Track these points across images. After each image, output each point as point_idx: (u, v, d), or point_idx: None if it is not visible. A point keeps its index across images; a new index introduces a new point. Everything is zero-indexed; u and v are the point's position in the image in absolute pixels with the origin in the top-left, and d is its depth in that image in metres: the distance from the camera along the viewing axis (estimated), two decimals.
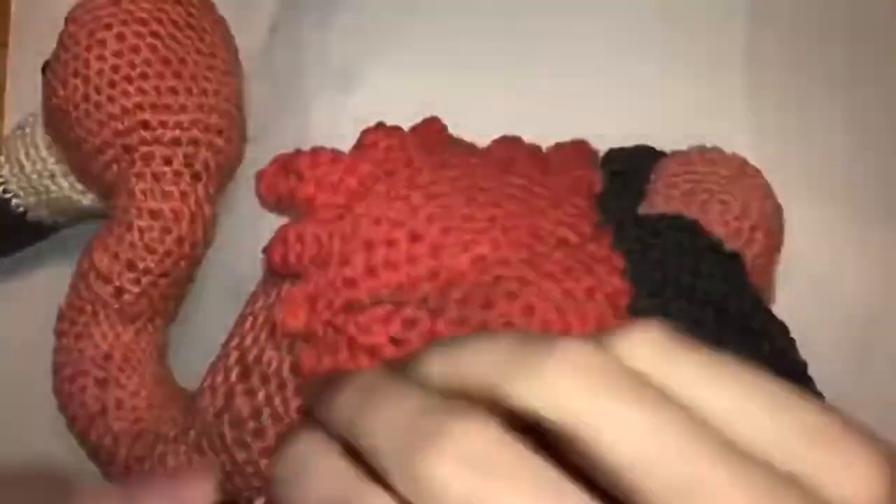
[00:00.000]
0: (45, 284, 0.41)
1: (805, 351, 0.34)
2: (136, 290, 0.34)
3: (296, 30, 0.42)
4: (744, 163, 0.34)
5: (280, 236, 0.31)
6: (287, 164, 0.31)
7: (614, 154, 0.34)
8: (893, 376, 0.30)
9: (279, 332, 0.29)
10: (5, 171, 0.38)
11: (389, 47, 0.42)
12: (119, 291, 0.34)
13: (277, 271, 0.31)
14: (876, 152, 0.39)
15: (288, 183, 0.31)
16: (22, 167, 0.38)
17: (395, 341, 0.27)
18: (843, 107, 0.39)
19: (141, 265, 0.34)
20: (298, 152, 0.32)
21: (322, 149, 0.31)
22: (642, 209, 0.32)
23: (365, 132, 0.33)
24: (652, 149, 0.34)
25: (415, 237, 0.29)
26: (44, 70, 0.37)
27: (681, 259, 0.29)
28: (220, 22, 0.38)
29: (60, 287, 0.40)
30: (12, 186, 0.38)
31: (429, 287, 0.28)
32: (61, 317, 0.35)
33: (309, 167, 0.31)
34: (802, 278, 0.36)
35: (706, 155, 0.34)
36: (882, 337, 0.36)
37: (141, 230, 0.34)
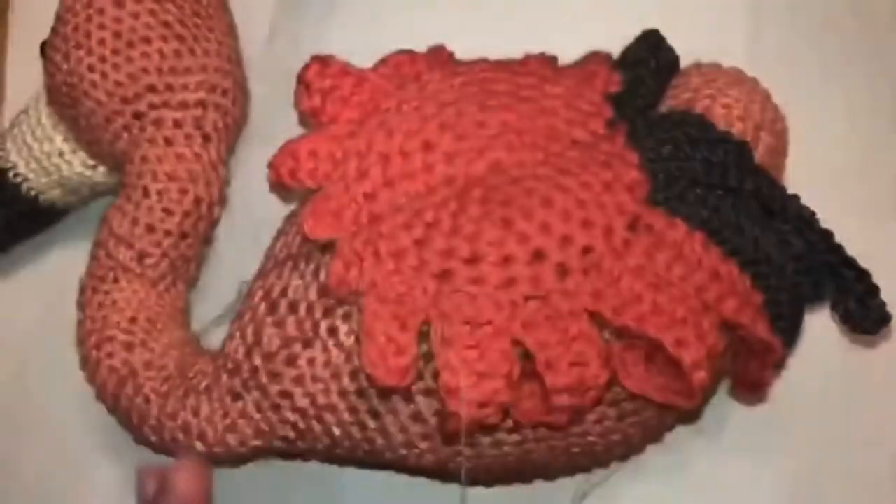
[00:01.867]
0: (57, 268, 0.41)
1: (805, 350, 0.35)
2: (157, 252, 0.35)
3: (296, 30, 0.43)
4: (740, 71, 0.34)
5: (289, 150, 0.31)
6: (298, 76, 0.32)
7: (627, 53, 0.34)
8: (893, 376, 0.30)
9: (306, 242, 0.30)
10: (13, 156, 0.38)
11: (389, 47, 0.41)
12: (141, 255, 0.34)
13: (285, 185, 0.31)
14: (875, 151, 0.39)
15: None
16: (30, 149, 0.38)
17: (418, 243, 0.28)
18: (843, 106, 0.39)
19: (160, 227, 0.34)
20: (309, 62, 0.32)
21: (331, 58, 0.32)
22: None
23: None
24: (662, 47, 0.34)
25: (429, 146, 0.30)
26: (42, 51, 0.37)
27: (693, 149, 0.30)
28: None
29: (72, 270, 0.40)
30: (22, 170, 0.38)
31: (447, 192, 0.28)
32: (83, 288, 0.35)
33: (317, 77, 0.31)
34: None
35: (703, 68, 0.35)
36: (881, 336, 0.36)
37: (159, 193, 0.34)
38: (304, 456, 0.34)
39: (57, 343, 0.38)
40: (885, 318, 0.31)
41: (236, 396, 0.31)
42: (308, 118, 0.32)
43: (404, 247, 0.28)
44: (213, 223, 0.36)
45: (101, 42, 0.34)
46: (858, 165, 0.39)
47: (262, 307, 0.31)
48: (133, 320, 0.34)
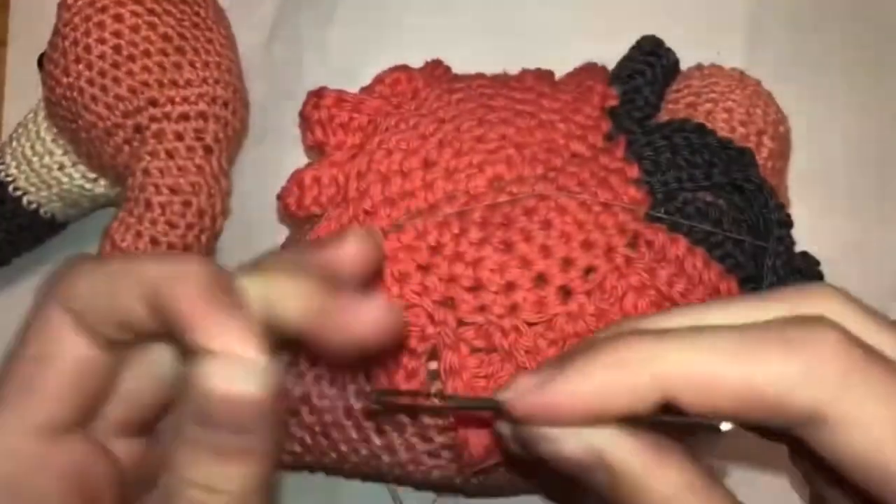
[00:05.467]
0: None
1: None
2: None
3: (296, 30, 0.43)
4: (742, 73, 0.34)
5: (295, 181, 0.31)
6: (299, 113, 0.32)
7: (623, 64, 0.34)
8: None
9: None
10: (13, 170, 0.38)
11: (389, 47, 0.42)
12: None
13: (293, 215, 0.31)
14: (875, 153, 0.39)
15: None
16: (30, 163, 0.38)
17: (422, 268, 0.28)
18: (843, 106, 0.39)
19: (164, 240, 0.34)
20: (307, 98, 0.32)
21: (325, 90, 0.32)
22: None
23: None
24: (659, 56, 0.34)
25: (428, 164, 0.30)
26: (40, 64, 0.37)
27: (693, 158, 0.30)
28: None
29: None
30: (22, 183, 0.38)
31: (449, 210, 0.29)
32: None
33: (314, 110, 0.31)
34: None
35: (704, 70, 0.35)
36: None
37: (161, 206, 0.34)
38: (311, 468, 0.34)
39: None
40: None
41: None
42: (315, 152, 0.32)
43: (408, 271, 0.28)
44: (216, 234, 0.36)
45: (102, 56, 0.34)
46: (858, 166, 0.39)
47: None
48: None
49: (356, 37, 0.43)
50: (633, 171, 0.30)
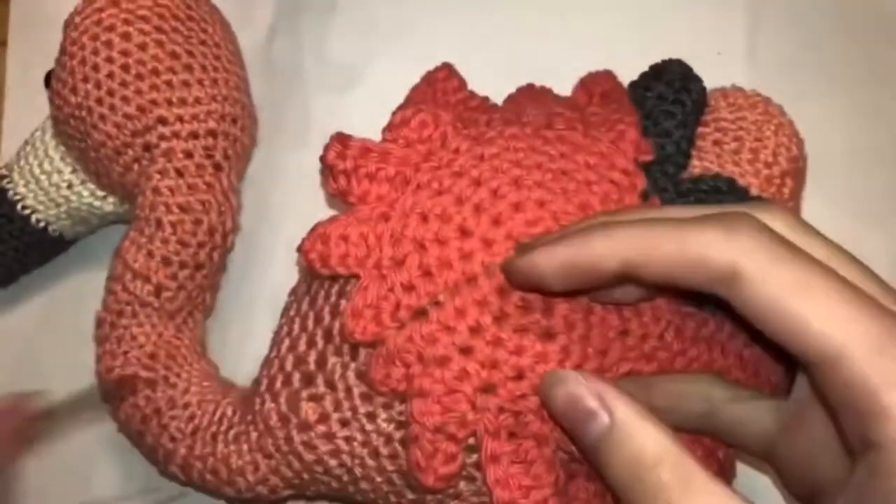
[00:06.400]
0: (66, 296, 0.41)
1: None
2: (174, 285, 0.34)
3: (295, 30, 0.43)
4: (766, 103, 0.34)
5: (319, 234, 0.30)
6: (320, 158, 0.31)
7: (653, 103, 0.33)
8: None
9: (342, 339, 0.29)
10: (21, 188, 0.38)
11: (389, 47, 0.42)
12: (158, 289, 0.34)
13: (315, 272, 0.30)
14: (877, 152, 0.39)
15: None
16: (38, 181, 0.37)
17: (462, 350, 0.27)
18: (843, 107, 0.39)
19: (176, 259, 0.34)
20: (329, 143, 0.31)
21: (349, 138, 0.31)
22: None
23: (395, 112, 0.32)
24: (689, 91, 0.33)
25: (465, 232, 0.28)
26: (47, 82, 0.37)
27: None
28: (216, 10, 0.38)
29: (81, 298, 0.40)
30: (30, 202, 0.38)
31: (487, 286, 0.28)
32: (100, 322, 0.35)
33: (338, 159, 0.30)
34: None
35: (729, 98, 0.34)
36: None
37: (173, 225, 0.34)
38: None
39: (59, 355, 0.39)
40: None
41: (269, 455, 0.31)
42: (337, 199, 0.31)
43: (448, 354, 0.27)
44: (228, 251, 0.36)
45: (110, 75, 0.34)
46: (859, 166, 0.39)
47: (298, 377, 0.30)
48: (153, 356, 0.34)
49: (356, 37, 0.42)
50: None
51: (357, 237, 0.29)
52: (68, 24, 0.36)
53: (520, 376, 0.27)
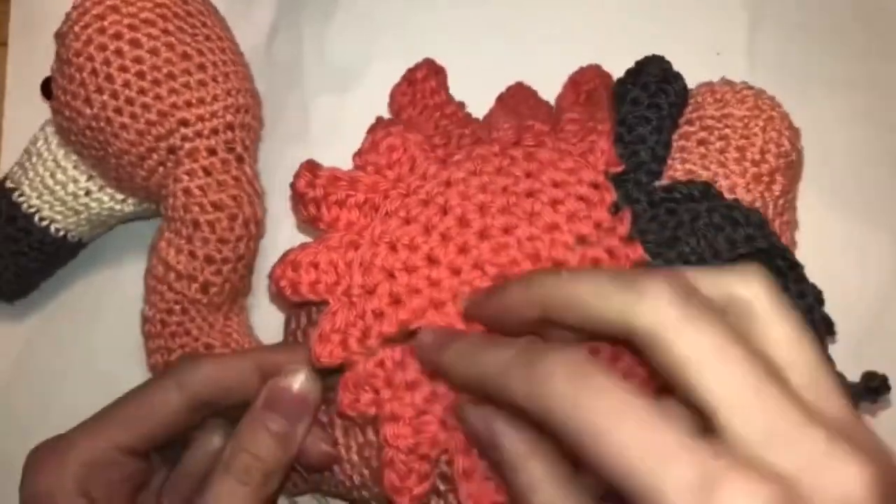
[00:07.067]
0: (78, 296, 0.42)
1: None
2: (219, 280, 0.36)
3: (296, 30, 0.43)
4: (757, 96, 0.33)
5: (289, 262, 0.31)
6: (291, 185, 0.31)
7: (628, 110, 0.32)
8: (892, 376, 0.30)
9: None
10: (35, 200, 0.37)
11: (389, 46, 0.42)
12: (205, 286, 0.35)
13: (286, 298, 0.31)
14: (876, 153, 0.39)
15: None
16: (53, 192, 0.37)
17: (431, 375, 0.29)
18: (843, 107, 0.39)
19: (219, 256, 0.35)
20: (299, 171, 0.31)
21: (318, 167, 0.31)
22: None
23: (367, 131, 0.33)
24: (667, 93, 0.32)
25: (433, 260, 0.30)
26: (45, 91, 0.36)
27: (698, 232, 0.30)
28: (209, 3, 0.38)
29: (92, 296, 0.40)
30: (47, 213, 0.38)
31: (453, 312, 0.29)
32: (149, 319, 0.36)
33: (308, 187, 0.31)
34: None
35: (717, 94, 0.33)
36: (881, 337, 0.37)
37: (210, 224, 0.35)
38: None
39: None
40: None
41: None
42: (307, 226, 0.32)
43: (417, 379, 0.29)
44: (262, 236, 0.37)
45: (126, 84, 0.34)
46: (859, 165, 0.40)
47: None
48: (209, 347, 0.36)
49: (356, 37, 0.43)
50: (637, 252, 0.30)
51: (327, 264, 0.31)
52: (65, 34, 0.35)
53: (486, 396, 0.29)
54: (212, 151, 0.35)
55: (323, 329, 0.30)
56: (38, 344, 0.42)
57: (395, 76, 0.38)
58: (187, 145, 0.35)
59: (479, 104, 0.38)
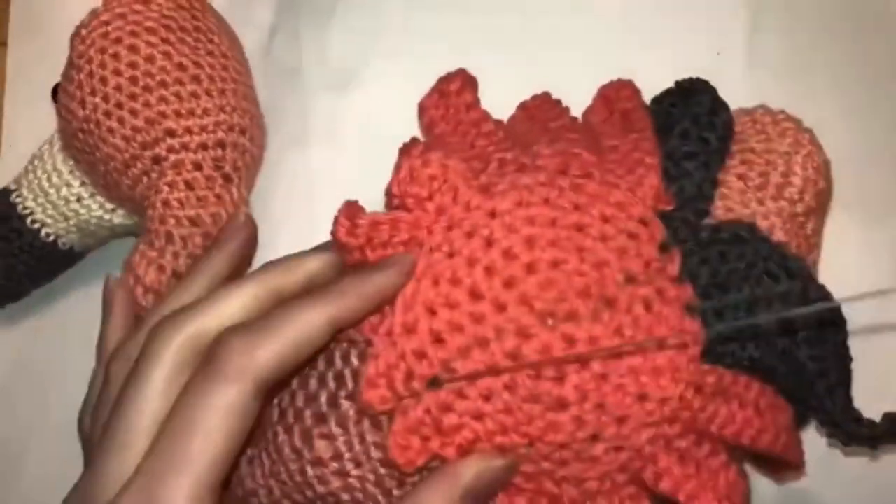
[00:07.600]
0: (74, 309, 0.41)
1: None
2: None
3: (296, 30, 0.42)
4: (797, 130, 0.32)
5: None
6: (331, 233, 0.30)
7: (674, 143, 0.31)
8: (892, 376, 0.30)
9: (360, 409, 0.28)
10: (31, 202, 0.38)
11: (389, 47, 0.41)
12: None
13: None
14: (877, 152, 0.39)
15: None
16: (47, 195, 0.37)
17: (475, 418, 0.27)
18: (843, 107, 0.39)
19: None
20: (338, 218, 0.30)
21: (357, 213, 0.30)
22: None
23: (402, 152, 0.31)
24: (714, 126, 0.31)
25: (476, 295, 0.27)
26: (55, 95, 0.37)
27: (752, 284, 0.28)
28: (223, 20, 0.38)
29: (90, 309, 0.40)
30: (40, 216, 0.38)
31: (498, 350, 0.27)
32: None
33: (350, 237, 0.29)
34: None
35: (757, 125, 0.33)
36: (881, 337, 0.36)
37: (183, 239, 0.34)
38: None
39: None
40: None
41: (282, 483, 0.30)
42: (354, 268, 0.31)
43: (465, 422, 0.27)
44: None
45: (118, 88, 0.34)
46: (862, 164, 0.38)
47: (309, 414, 0.29)
48: None
49: (356, 37, 0.42)
50: (686, 293, 0.28)
51: None
52: (75, 37, 0.35)
53: (532, 443, 0.27)
54: (197, 166, 0.34)
55: (370, 375, 0.28)
56: (37, 348, 0.42)
57: (395, 77, 0.37)
58: (172, 156, 0.34)
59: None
